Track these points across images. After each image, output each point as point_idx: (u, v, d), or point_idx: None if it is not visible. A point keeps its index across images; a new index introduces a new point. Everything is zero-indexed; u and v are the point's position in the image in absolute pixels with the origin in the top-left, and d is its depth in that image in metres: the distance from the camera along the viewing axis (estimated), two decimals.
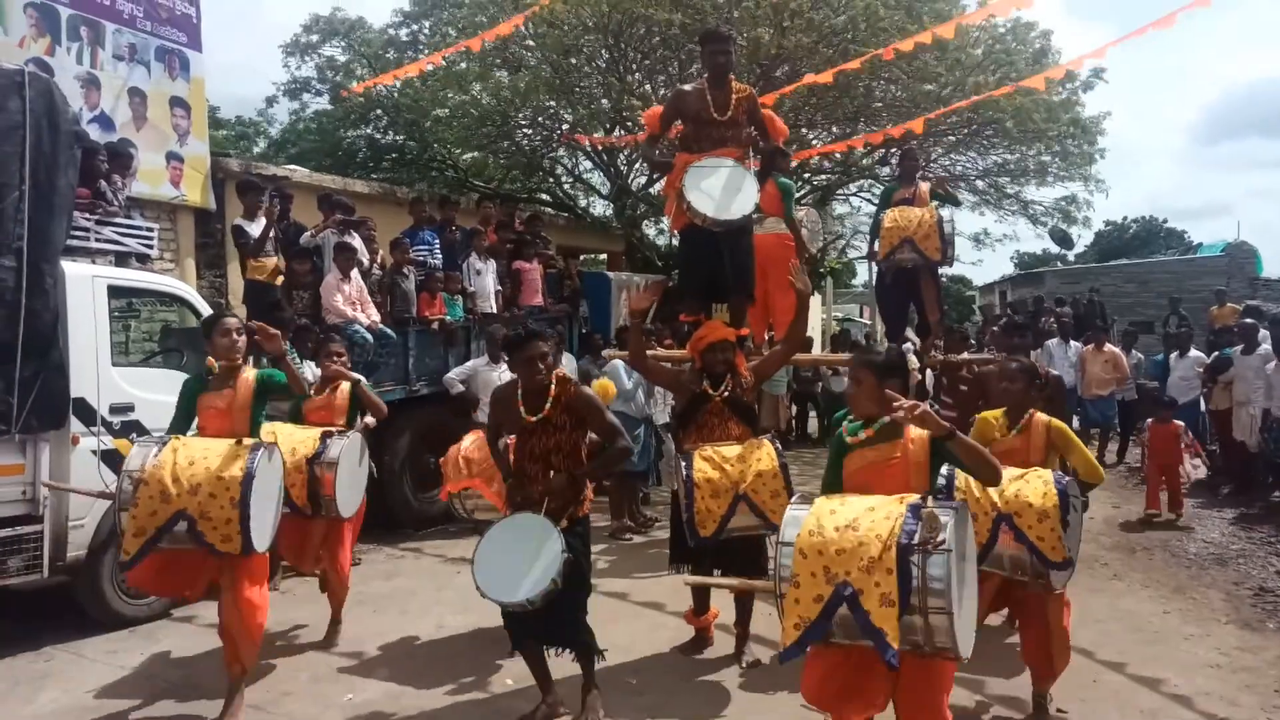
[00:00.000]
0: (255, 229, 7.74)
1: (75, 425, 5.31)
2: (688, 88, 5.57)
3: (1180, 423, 8.81)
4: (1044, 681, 4.18)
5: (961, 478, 3.92)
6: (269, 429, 4.95)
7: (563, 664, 4.30)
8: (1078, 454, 4.18)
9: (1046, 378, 5.20)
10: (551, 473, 4.06)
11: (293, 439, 5.14)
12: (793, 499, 3.16)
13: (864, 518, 2.83)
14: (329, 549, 5.30)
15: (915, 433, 3.08)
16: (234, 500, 4.00)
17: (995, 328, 11.70)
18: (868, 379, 3.18)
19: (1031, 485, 3.88)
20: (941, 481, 3.79)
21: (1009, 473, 3.95)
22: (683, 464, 4.62)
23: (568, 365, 8.78)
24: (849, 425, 3.28)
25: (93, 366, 5.43)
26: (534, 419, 4.05)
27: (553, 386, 4.06)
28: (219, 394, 4.40)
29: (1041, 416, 4.23)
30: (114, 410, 5.48)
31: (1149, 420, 9.14)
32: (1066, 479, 3.93)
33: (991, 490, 3.81)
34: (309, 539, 5.29)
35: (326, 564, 5.34)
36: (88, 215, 5.90)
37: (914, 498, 2.91)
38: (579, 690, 4.22)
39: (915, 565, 2.70)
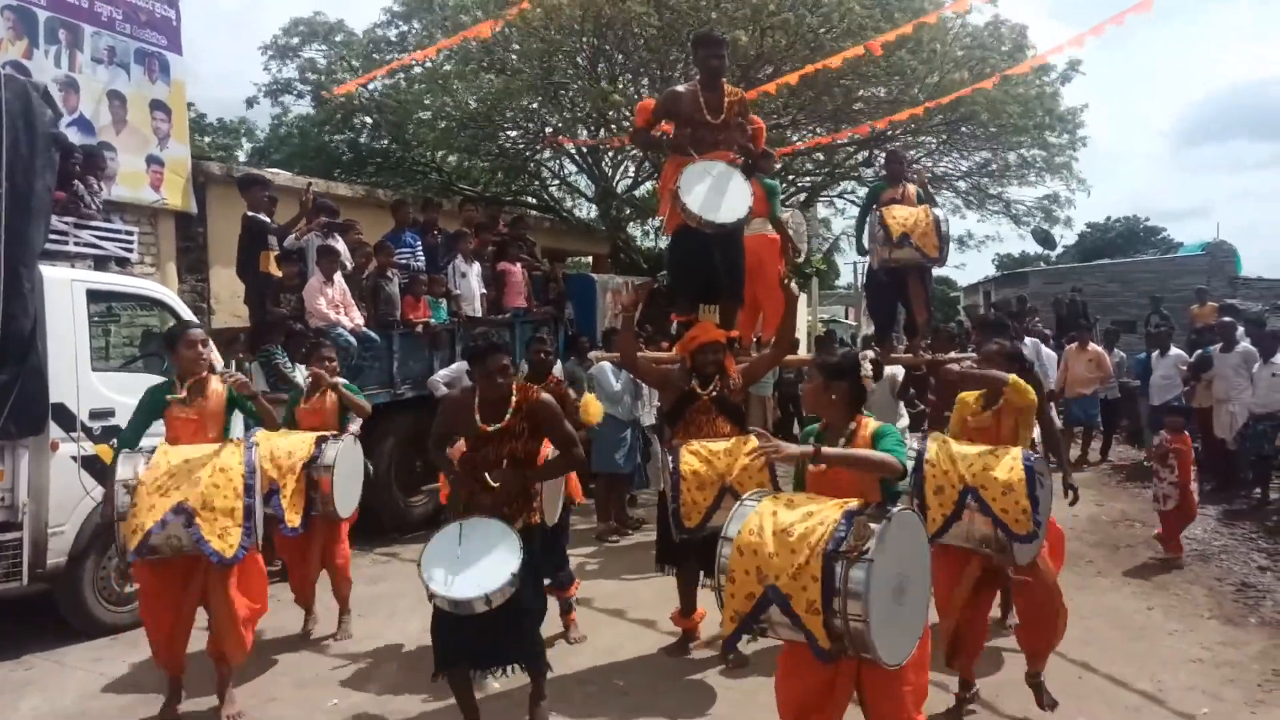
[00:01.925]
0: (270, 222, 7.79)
1: (54, 431, 5.27)
2: (682, 88, 5.56)
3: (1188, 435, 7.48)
4: (1041, 659, 4.23)
5: (932, 452, 4.08)
6: (262, 436, 4.99)
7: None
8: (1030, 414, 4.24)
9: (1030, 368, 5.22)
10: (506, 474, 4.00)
11: (289, 444, 5.20)
12: (745, 496, 3.27)
13: (800, 524, 2.93)
14: (328, 550, 5.47)
15: (859, 443, 3.20)
16: (238, 491, 4.13)
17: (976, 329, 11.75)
18: (817, 379, 3.35)
19: (1000, 460, 4.00)
20: (911, 455, 3.93)
21: (978, 448, 4.11)
22: (669, 458, 4.65)
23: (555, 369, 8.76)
24: (804, 430, 3.49)
25: (72, 371, 5.38)
26: (490, 429, 3.96)
27: (514, 396, 3.98)
28: (191, 406, 4.36)
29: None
30: (94, 415, 5.43)
31: (1163, 433, 7.53)
32: (1035, 456, 4.04)
33: (961, 464, 3.98)
34: (310, 548, 5.43)
35: (327, 564, 5.50)
36: (65, 219, 5.85)
37: (854, 504, 2.98)
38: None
39: (839, 572, 2.80)
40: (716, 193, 5.22)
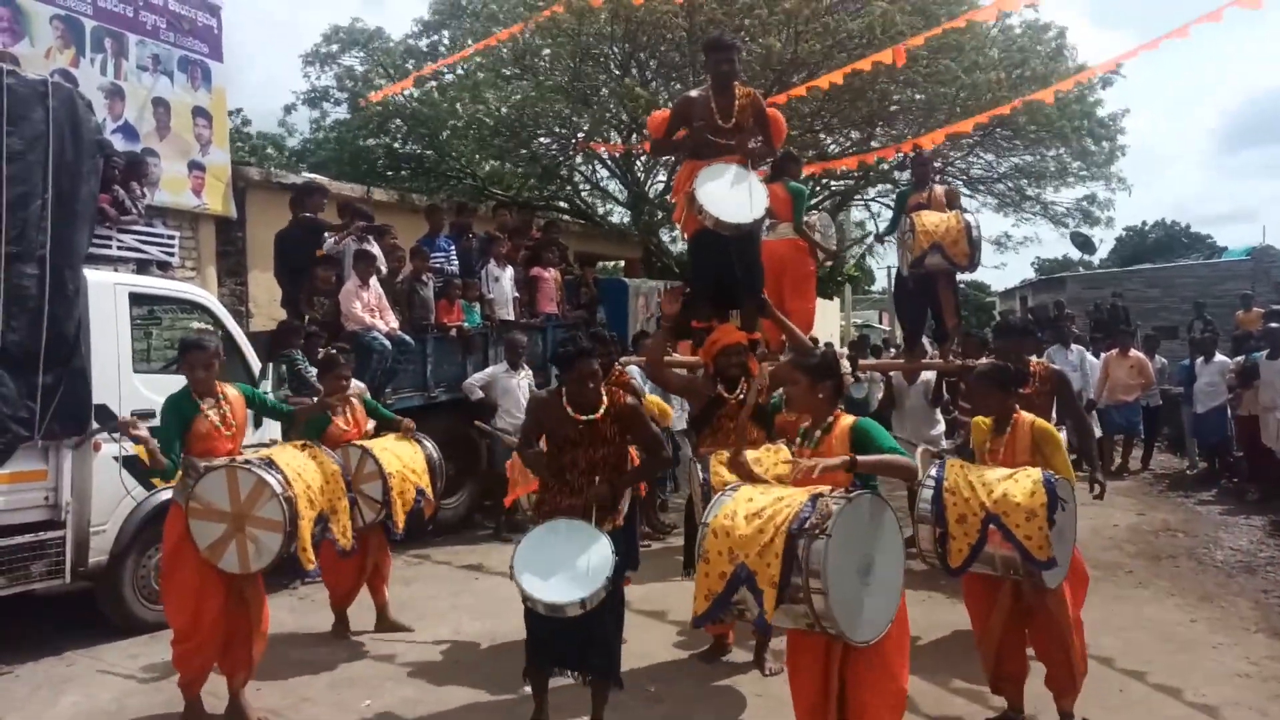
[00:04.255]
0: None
1: None
2: (694, 94, 5.56)
3: None
4: (1068, 697, 4.09)
5: (951, 479, 3.95)
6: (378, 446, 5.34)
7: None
8: (1059, 456, 4.14)
9: (1043, 374, 5.09)
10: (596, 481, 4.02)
11: (404, 454, 5.47)
12: (727, 487, 3.38)
13: (770, 507, 3.10)
14: (381, 553, 5.62)
15: (837, 435, 3.37)
16: (343, 490, 4.70)
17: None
18: (802, 380, 3.46)
19: (1020, 485, 3.85)
20: (930, 482, 3.94)
21: (998, 472, 3.98)
22: (699, 468, 4.60)
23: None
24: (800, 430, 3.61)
25: (115, 373, 5.48)
26: (583, 419, 3.96)
27: (604, 400, 4.01)
28: (218, 417, 4.33)
29: (1026, 416, 4.22)
30: (136, 417, 5.51)
31: None
32: (1057, 478, 3.89)
33: (980, 491, 3.86)
34: (363, 574, 5.53)
35: (379, 565, 5.61)
36: (109, 223, 5.97)
37: (823, 489, 3.12)
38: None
39: (800, 549, 2.94)
40: (732, 194, 5.18)
